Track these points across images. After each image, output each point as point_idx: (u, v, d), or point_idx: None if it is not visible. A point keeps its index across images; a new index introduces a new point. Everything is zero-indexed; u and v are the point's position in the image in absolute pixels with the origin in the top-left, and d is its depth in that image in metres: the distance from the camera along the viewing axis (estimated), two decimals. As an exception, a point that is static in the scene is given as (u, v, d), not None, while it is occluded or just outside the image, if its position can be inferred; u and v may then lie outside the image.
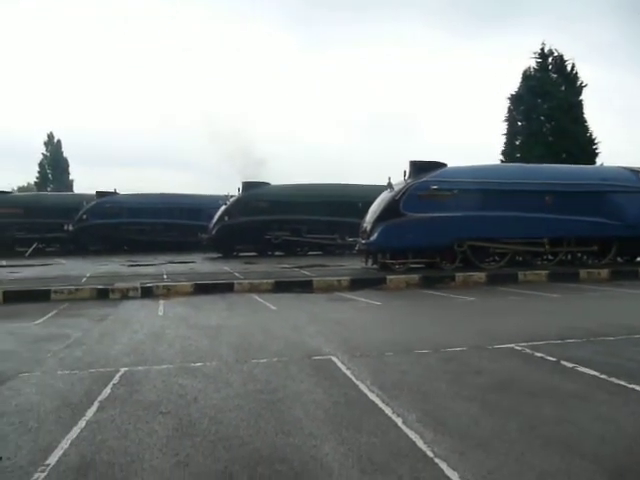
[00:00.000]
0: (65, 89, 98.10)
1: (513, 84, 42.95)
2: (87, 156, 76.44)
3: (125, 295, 12.52)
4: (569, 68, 31.75)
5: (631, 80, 79.51)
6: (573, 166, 21.39)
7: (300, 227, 25.85)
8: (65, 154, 59.40)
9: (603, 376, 5.31)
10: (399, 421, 4.19)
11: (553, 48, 32.04)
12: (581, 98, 31.57)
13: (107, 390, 5.20)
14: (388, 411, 4.42)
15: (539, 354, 6.27)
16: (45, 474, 3.43)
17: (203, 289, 13.11)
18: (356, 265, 17.73)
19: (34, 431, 4.17)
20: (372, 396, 4.83)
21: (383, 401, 4.68)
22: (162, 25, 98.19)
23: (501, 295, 12.21)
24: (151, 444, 3.86)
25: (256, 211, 25.47)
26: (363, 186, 25.06)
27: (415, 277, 14.37)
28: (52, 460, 3.63)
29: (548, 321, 8.70)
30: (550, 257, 17.34)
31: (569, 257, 17.60)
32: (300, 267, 17.66)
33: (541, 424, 4.11)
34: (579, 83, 31.69)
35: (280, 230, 25.74)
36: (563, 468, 3.38)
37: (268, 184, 27.06)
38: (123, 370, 5.94)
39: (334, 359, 6.23)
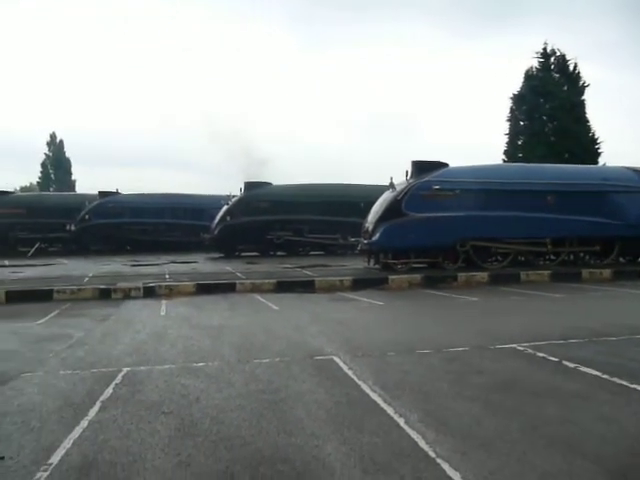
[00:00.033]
0: (66, 89, 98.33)
1: (515, 84, 42.97)
2: (88, 156, 76.46)
3: (127, 295, 12.53)
4: (571, 68, 31.70)
5: (634, 80, 79.43)
6: (575, 166, 21.35)
7: (302, 227, 25.83)
8: (67, 154, 59.60)
9: (605, 376, 5.31)
10: (401, 421, 4.19)
11: (555, 48, 32.03)
12: (583, 98, 31.49)
13: (109, 390, 5.21)
14: (390, 411, 4.43)
15: (541, 354, 6.26)
16: (48, 473, 3.44)
17: (205, 289, 13.12)
18: (358, 265, 17.72)
19: (36, 431, 4.18)
20: (374, 396, 4.84)
21: (385, 401, 4.68)
22: (162, 25, 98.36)
23: (503, 295, 12.21)
24: (153, 444, 3.87)
25: (258, 211, 25.46)
26: (365, 186, 25.02)
27: (417, 277, 14.36)
28: (55, 459, 3.64)
29: (550, 321, 8.70)
30: (552, 257, 17.30)
31: (571, 257, 17.57)
32: (302, 267, 17.65)
33: (543, 424, 4.11)
34: (581, 83, 31.62)
35: (282, 230, 25.72)
36: (565, 468, 3.38)
37: (270, 184, 27.05)
38: (125, 370, 5.95)
39: (336, 359, 6.23)
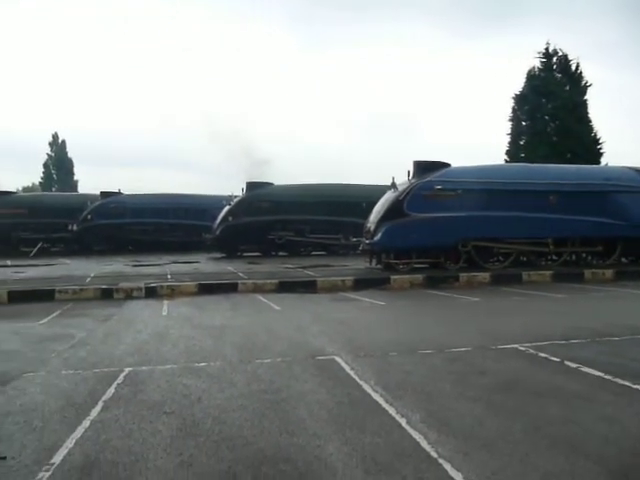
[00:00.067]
0: (67, 89, 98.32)
1: (516, 84, 42.94)
2: (88, 156, 76.64)
3: (129, 295, 12.54)
4: (573, 68, 31.68)
5: (636, 79, 79.29)
6: (577, 166, 21.31)
7: (304, 227, 25.83)
8: (70, 154, 59.71)
9: (607, 376, 5.30)
10: (403, 421, 4.19)
11: (557, 48, 32.01)
12: (586, 98, 31.48)
13: (111, 390, 5.22)
14: (392, 411, 4.42)
15: (543, 354, 6.26)
16: (50, 473, 3.44)
17: (207, 289, 13.12)
18: (360, 265, 17.72)
19: (39, 430, 4.18)
20: (376, 396, 4.83)
21: (387, 401, 4.67)
22: (162, 25, 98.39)
23: (505, 295, 12.20)
24: (155, 444, 3.87)
25: (260, 211, 25.47)
26: (367, 186, 25.01)
27: (419, 277, 14.36)
28: (57, 459, 3.64)
29: (552, 321, 8.69)
30: (554, 257, 17.30)
31: (573, 257, 17.55)
32: (304, 267, 17.65)
33: (545, 424, 4.10)
34: (584, 83, 31.60)
35: (284, 230, 25.73)
36: (567, 469, 3.37)
37: (272, 184, 27.05)
38: (127, 370, 5.95)
39: (338, 359, 6.23)
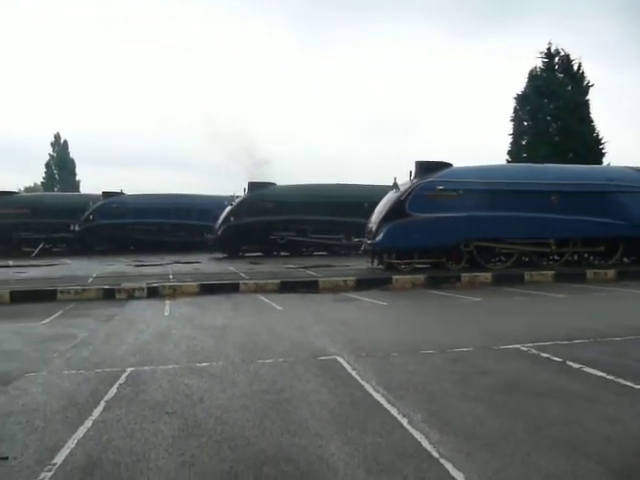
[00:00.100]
0: (67, 89, 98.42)
1: (518, 84, 42.99)
2: (90, 156, 76.82)
3: (131, 295, 12.55)
4: (575, 68, 31.64)
5: (636, 79, 79.19)
6: (580, 166, 21.30)
7: (306, 227, 25.84)
8: (72, 155, 59.77)
9: (610, 377, 5.30)
10: (405, 421, 4.19)
11: (559, 48, 31.98)
12: (588, 98, 31.44)
13: (113, 390, 5.22)
14: (394, 411, 4.42)
15: (545, 355, 6.25)
16: (52, 473, 3.45)
17: (209, 289, 13.13)
18: (362, 265, 17.72)
19: (41, 430, 4.19)
20: (377, 396, 4.83)
21: (389, 401, 4.67)
22: (162, 25, 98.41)
23: (507, 295, 12.19)
24: (157, 444, 3.87)
25: (262, 211, 25.48)
26: (369, 186, 25.02)
27: (421, 277, 14.35)
28: (59, 459, 3.64)
29: (554, 322, 8.68)
30: (556, 257, 17.28)
31: (575, 257, 17.53)
32: (306, 267, 17.65)
33: (547, 425, 4.10)
34: (585, 83, 31.55)
35: (286, 230, 25.74)
36: (569, 469, 3.37)
37: (274, 184, 27.05)
38: (129, 370, 5.96)
39: (340, 359, 6.23)
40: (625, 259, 17.81)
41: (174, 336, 7.92)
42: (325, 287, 13.46)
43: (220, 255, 25.96)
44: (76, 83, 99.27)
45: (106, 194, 31.41)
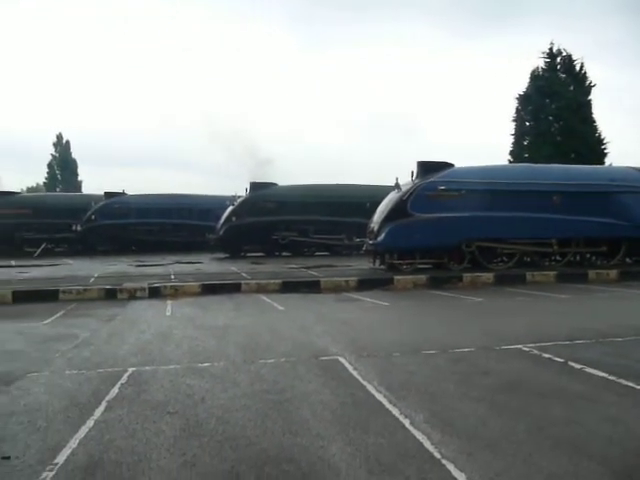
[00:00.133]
0: (69, 90, 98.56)
1: (519, 84, 42.92)
2: (91, 156, 76.97)
3: (133, 295, 12.56)
4: (578, 68, 31.61)
5: (637, 79, 79.09)
6: (582, 166, 21.27)
7: (307, 227, 25.84)
8: (73, 155, 59.87)
9: (612, 377, 5.29)
10: (406, 422, 4.19)
11: (561, 48, 31.95)
12: (590, 98, 31.41)
13: (115, 390, 5.22)
14: (395, 412, 4.42)
15: (547, 355, 6.24)
16: (53, 473, 3.45)
17: (210, 289, 13.13)
18: (363, 265, 17.71)
19: (43, 430, 4.19)
20: (379, 397, 4.83)
21: (390, 402, 4.67)
22: (162, 25, 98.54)
23: (509, 296, 12.17)
24: (158, 444, 3.87)
25: (263, 211, 25.49)
26: (370, 186, 25.05)
27: (422, 277, 14.34)
28: (60, 459, 3.65)
29: (556, 322, 8.67)
30: (558, 258, 17.26)
31: (577, 258, 17.51)
32: (307, 267, 17.65)
33: (549, 425, 4.09)
34: (588, 83, 31.52)
35: (287, 230, 25.75)
36: (571, 470, 3.37)
37: (275, 185, 27.07)
38: (131, 370, 5.96)
39: (341, 359, 6.23)
40: (627, 259, 17.78)
41: (176, 336, 7.92)
42: (327, 287, 13.46)
43: (222, 255, 25.97)
44: (78, 83, 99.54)
45: (108, 194, 31.45)
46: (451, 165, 16.87)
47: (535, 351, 6.46)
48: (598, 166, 24.89)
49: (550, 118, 31.48)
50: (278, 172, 44.45)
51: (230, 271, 17.18)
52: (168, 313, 10.34)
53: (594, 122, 31.27)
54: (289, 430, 4.08)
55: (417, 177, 16.55)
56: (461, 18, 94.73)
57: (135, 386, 5.35)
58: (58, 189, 55.29)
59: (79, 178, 60.04)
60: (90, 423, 4.31)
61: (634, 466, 3.43)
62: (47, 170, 59.25)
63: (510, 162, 31.17)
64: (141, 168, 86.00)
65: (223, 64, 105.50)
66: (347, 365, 5.98)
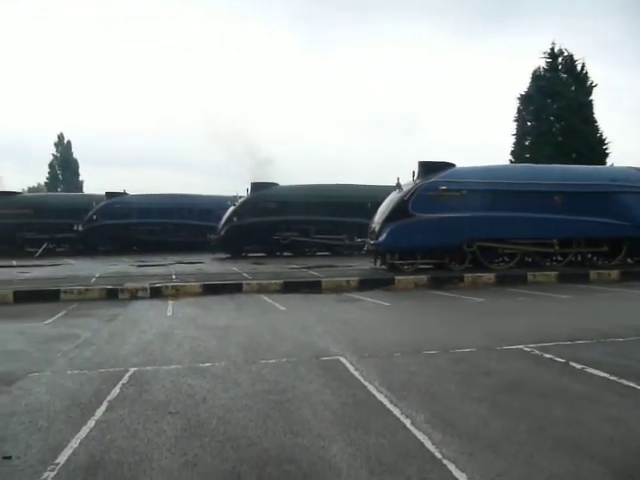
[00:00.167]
0: (70, 90, 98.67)
1: (519, 83, 42.85)
2: (92, 156, 77.14)
3: (134, 295, 12.57)
4: (579, 68, 31.59)
5: (638, 79, 79.01)
6: (583, 166, 21.25)
7: (308, 228, 25.84)
8: (75, 155, 59.94)
9: (613, 377, 5.28)
10: (407, 422, 4.19)
11: (563, 48, 31.93)
12: (591, 98, 31.39)
13: (116, 390, 5.23)
14: (396, 412, 4.42)
15: (548, 355, 6.24)
16: (55, 473, 3.45)
17: (212, 290, 13.13)
18: (365, 266, 17.71)
19: (44, 430, 4.20)
20: (380, 397, 4.83)
21: (391, 402, 4.67)
22: (162, 25, 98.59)
23: (510, 296, 12.17)
24: (160, 444, 3.87)
25: (264, 212, 25.49)
26: (371, 187, 25.04)
27: (424, 278, 14.34)
28: (62, 459, 3.65)
29: (557, 322, 8.66)
30: (560, 258, 17.24)
31: (579, 258, 17.51)
32: (309, 268, 17.65)
33: (550, 425, 4.09)
34: (589, 83, 31.51)
35: (288, 231, 25.74)
36: (572, 470, 3.36)
37: (276, 185, 27.06)
38: (132, 370, 5.96)
39: (342, 360, 6.23)
40: (629, 260, 17.77)
41: (177, 336, 7.93)
42: (328, 287, 13.46)
43: (223, 255, 25.97)
44: (79, 83, 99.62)
45: (109, 194, 31.48)
46: (452, 165, 16.86)
47: (536, 351, 6.46)
48: (599, 166, 24.87)
49: (551, 118, 31.47)
50: (279, 172, 44.55)
51: (231, 271, 17.19)
52: (169, 313, 10.35)
53: (595, 122, 31.26)
54: (290, 430, 4.08)
55: (418, 177, 16.55)
56: (462, 18, 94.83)
57: (136, 386, 5.36)
58: (59, 189, 55.34)
59: (80, 178, 60.12)
60: (91, 423, 4.31)
61: (636, 466, 3.43)
62: (48, 170, 59.31)
63: (511, 162, 31.17)
64: (142, 168, 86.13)
65: (223, 64, 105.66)
66: (348, 365, 5.98)
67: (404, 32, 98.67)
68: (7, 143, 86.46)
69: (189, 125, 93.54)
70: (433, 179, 16.12)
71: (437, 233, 15.60)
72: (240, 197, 26.56)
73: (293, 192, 26.22)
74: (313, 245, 26.34)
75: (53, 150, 59.39)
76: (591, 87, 31.47)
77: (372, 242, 16.55)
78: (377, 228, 16.32)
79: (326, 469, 3.43)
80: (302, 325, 8.65)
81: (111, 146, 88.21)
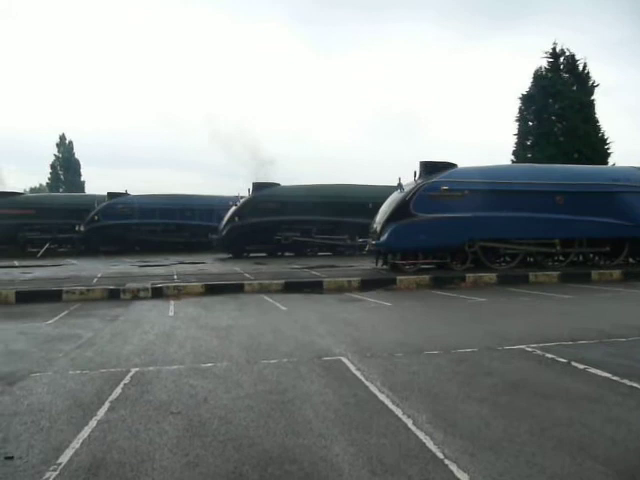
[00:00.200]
0: (72, 90, 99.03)
1: (521, 84, 42.83)
2: (93, 157, 77.34)
3: (136, 295, 12.57)
4: (581, 68, 31.57)
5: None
6: (585, 166, 21.26)
7: (310, 228, 25.87)
8: (77, 155, 60.02)
9: (615, 378, 5.28)
10: (409, 422, 4.18)
11: (565, 48, 31.91)
12: (593, 98, 31.37)
13: (118, 390, 5.23)
14: (398, 412, 4.42)
15: (550, 355, 6.23)
16: (57, 473, 3.46)
17: (213, 290, 13.14)
18: (366, 266, 17.71)
19: (46, 430, 4.20)
20: (382, 397, 4.83)
21: (393, 402, 4.67)
22: (163, 25, 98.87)
23: (512, 296, 12.15)
24: (161, 444, 3.88)
25: (266, 212, 25.50)
26: (373, 187, 25.06)
27: (425, 278, 14.33)
28: (64, 459, 3.65)
29: (559, 322, 8.65)
30: (561, 258, 17.23)
31: (581, 258, 17.50)
32: (310, 268, 17.65)
33: (552, 426, 4.08)
34: (591, 83, 31.49)
35: (290, 231, 25.76)
36: (574, 470, 3.36)
37: (278, 185, 27.08)
38: (134, 370, 5.97)
39: (344, 360, 6.23)
40: (630, 259, 17.76)
41: (179, 336, 7.93)
42: (329, 287, 13.46)
43: (225, 255, 25.99)
44: (81, 84, 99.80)
45: (111, 195, 31.53)
46: (454, 165, 16.86)
47: (538, 351, 6.45)
48: (601, 166, 24.87)
49: (553, 118, 31.46)
50: (280, 172, 44.59)
51: (233, 271, 17.19)
52: (171, 313, 10.35)
53: (597, 122, 31.25)
54: (292, 430, 4.08)
55: (420, 177, 16.55)
56: (465, 18, 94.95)
57: (138, 386, 5.36)
58: (61, 189, 55.45)
59: (82, 178, 60.23)
60: (93, 423, 4.32)
61: (638, 467, 3.42)
62: (50, 171, 59.44)
63: (513, 162, 31.15)
64: (144, 168, 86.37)
65: (225, 64, 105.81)
66: (350, 365, 5.98)
67: (408, 33, 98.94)
68: (9, 144, 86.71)
69: (191, 125, 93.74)
70: (435, 179, 16.11)
71: (439, 233, 15.59)
72: (242, 197, 26.57)
73: (295, 192, 26.22)
74: (315, 245, 26.35)
75: (55, 150, 59.60)
76: (593, 87, 31.46)
77: (374, 242, 16.54)
78: (379, 228, 16.32)
79: (328, 469, 3.42)
80: (304, 325, 8.65)
81: (113, 146, 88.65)
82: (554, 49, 31.93)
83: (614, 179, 17.36)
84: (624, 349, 6.57)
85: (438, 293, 12.85)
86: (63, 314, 10.28)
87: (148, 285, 13.05)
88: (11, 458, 3.67)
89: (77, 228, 30.28)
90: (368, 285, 13.65)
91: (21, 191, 38.03)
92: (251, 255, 25.98)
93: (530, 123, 32.38)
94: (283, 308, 10.62)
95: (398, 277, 14.20)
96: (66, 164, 58.92)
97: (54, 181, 58.72)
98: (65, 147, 59.52)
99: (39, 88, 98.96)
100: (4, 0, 78.41)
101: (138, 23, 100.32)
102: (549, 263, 17.12)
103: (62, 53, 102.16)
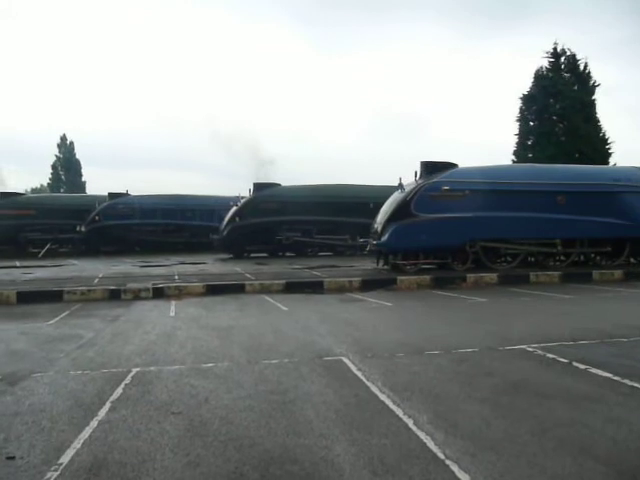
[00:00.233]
0: (73, 91, 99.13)
1: (522, 84, 42.88)
2: (94, 157, 77.48)
3: (137, 296, 12.57)
4: (582, 67, 31.56)
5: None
6: (586, 166, 21.24)
7: (311, 228, 25.86)
8: (77, 156, 60.06)
9: (616, 378, 5.27)
10: (410, 422, 4.18)
11: (566, 48, 31.89)
12: (594, 98, 31.36)
13: (119, 390, 5.23)
14: (399, 412, 4.41)
15: (551, 355, 6.23)
16: (58, 473, 3.46)
17: (214, 290, 13.13)
18: (367, 266, 17.71)
19: (47, 431, 4.20)
20: (383, 397, 4.83)
21: (394, 402, 4.67)
22: (164, 25, 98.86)
23: (513, 296, 12.14)
24: (162, 444, 3.88)
25: (267, 212, 25.50)
26: (374, 187, 25.04)
27: (426, 278, 14.33)
28: (65, 459, 3.65)
29: (560, 322, 8.64)
30: (562, 258, 17.22)
31: (582, 258, 17.48)
32: (311, 268, 17.65)
33: (553, 426, 4.08)
34: (592, 82, 31.48)
35: (291, 231, 25.75)
36: (575, 471, 3.36)
37: (279, 185, 27.07)
38: (135, 370, 5.97)
39: (345, 360, 6.23)
40: (632, 259, 17.74)
41: (180, 337, 7.93)
42: (330, 288, 13.45)
43: (225, 256, 25.99)
44: (82, 84, 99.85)
45: (112, 195, 31.55)
46: (455, 165, 16.85)
47: (539, 351, 6.45)
48: (602, 166, 24.85)
49: (554, 118, 31.45)
50: (281, 172, 44.65)
51: (234, 272, 17.19)
52: (172, 314, 10.35)
53: (598, 122, 31.24)
54: (293, 431, 4.08)
55: (421, 177, 16.55)
56: (466, 18, 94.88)
57: (139, 386, 5.36)
58: (62, 190, 55.50)
59: (83, 179, 60.29)
60: (94, 423, 4.32)
61: (639, 467, 3.41)
62: (51, 171, 59.54)
63: (514, 162, 31.13)
64: (144, 169, 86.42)
65: (226, 65, 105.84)
66: (351, 365, 5.98)
67: (407, 33, 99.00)
68: (10, 144, 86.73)
69: (192, 126, 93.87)
70: (435, 179, 16.11)
71: (440, 233, 15.58)
72: (242, 197, 26.57)
73: (295, 192, 26.21)
74: (315, 245, 26.34)
75: (56, 151, 59.70)
76: (594, 87, 31.45)
77: (374, 242, 16.55)
78: (379, 228, 16.32)
79: (329, 469, 3.42)
80: (305, 325, 8.65)
81: (114, 147, 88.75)
82: (555, 49, 31.93)
83: (615, 179, 17.34)
84: (625, 349, 6.57)
85: (439, 293, 12.85)
86: (64, 314, 10.29)
87: (149, 285, 13.05)
88: (12, 458, 3.67)
89: (78, 228, 30.31)
90: (369, 285, 13.65)
91: (22, 192, 38.11)
92: (252, 255, 25.97)
93: (531, 123, 32.37)
94: (284, 308, 10.62)
95: (399, 277, 14.20)
96: (67, 164, 58.99)
97: (55, 181, 58.80)
98: (66, 147, 59.58)
99: (40, 88, 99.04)
100: (4, 0, 78.39)
101: (138, 23, 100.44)
102: (550, 263, 17.11)
103: (63, 53, 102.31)
